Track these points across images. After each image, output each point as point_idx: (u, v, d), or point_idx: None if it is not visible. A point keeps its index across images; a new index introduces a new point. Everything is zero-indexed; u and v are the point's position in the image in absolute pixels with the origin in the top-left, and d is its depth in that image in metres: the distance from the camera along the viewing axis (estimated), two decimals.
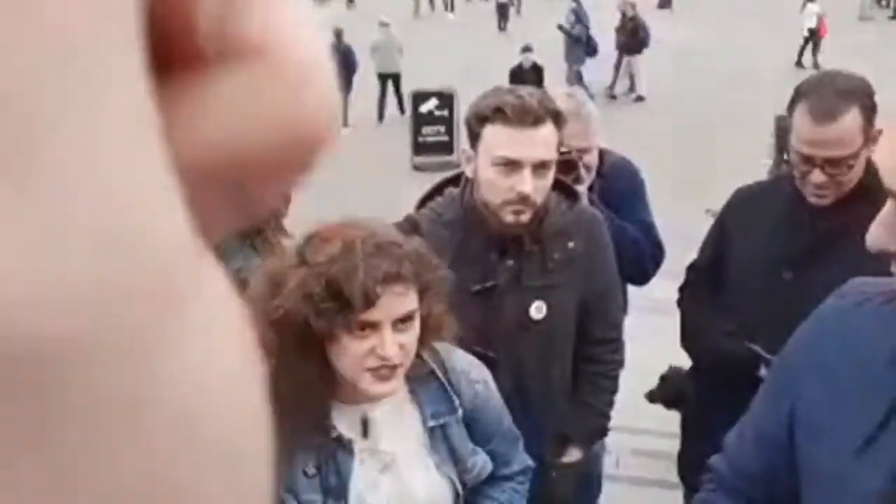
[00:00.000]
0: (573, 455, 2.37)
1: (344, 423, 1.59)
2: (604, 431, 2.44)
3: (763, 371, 2.16)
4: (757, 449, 1.40)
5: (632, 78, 15.21)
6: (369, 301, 1.41)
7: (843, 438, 1.20)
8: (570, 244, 2.20)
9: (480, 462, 1.69)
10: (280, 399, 1.26)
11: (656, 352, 3.63)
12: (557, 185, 2.21)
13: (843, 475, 1.19)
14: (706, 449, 2.40)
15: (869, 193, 2.17)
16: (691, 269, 2.58)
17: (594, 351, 2.35)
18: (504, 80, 13.48)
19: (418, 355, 1.58)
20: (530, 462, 1.84)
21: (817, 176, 2.11)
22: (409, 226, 2.11)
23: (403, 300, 1.47)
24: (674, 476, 3.28)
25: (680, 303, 2.57)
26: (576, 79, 14.37)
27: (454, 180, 2.30)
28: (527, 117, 2.01)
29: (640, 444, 4.22)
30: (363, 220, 1.54)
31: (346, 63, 12.70)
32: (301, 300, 1.40)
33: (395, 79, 14.21)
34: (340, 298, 1.40)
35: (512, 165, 2.03)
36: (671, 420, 3.08)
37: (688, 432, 2.64)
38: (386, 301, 1.43)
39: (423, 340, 1.55)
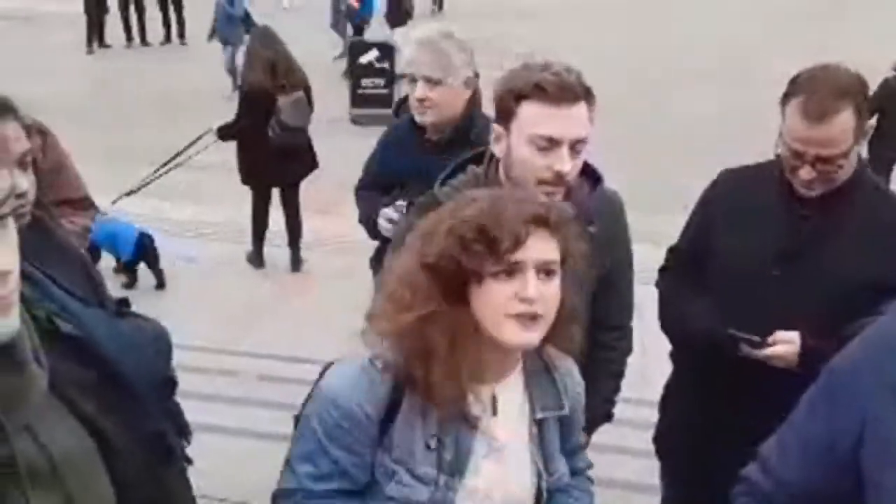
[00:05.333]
0: None
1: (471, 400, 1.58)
2: (608, 416, 2.45)
3: (746, 349, 2.18)
4: (803, 460, 1.39)
5: None
6: (518, 241, 1.44)
7: None
8: (592, 228, 2.17)
9: (562, 469, 1.69)
10: (432, 349, 1.32)
11: None
12: (581, 168, 2.17)
13: None
14: (683, 427, 2.46)
15: (857, 189, 2.21)
16: (672, 251, 2.58)
17: (606, 337, 2.35)
18: None
19: (538, 351, 1.60)
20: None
21: (807, 172, 2.13)
22: (432, 203, 2.04)
23: (548, 245, 1.49)
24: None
25: (658, 285, 2.58)
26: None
27: (476, 158, 2.23)
28: (567, 95, 1.98)
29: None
30: None
31: None
32: (452, 243, 1.46)
33: None
34: (489, 239, 1.44)
35: (550, 144, 1.99)
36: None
37: (666, 411, 2.67)
38: (532, 243, 1.46)
39: (553, 329, 1.54)
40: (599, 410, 2.39)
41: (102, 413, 1.24)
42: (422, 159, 2.84)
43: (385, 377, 1.53)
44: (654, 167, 8.99)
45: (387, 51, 11.32)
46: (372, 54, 11.30)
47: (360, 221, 3.20)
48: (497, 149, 2.11)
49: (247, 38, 12.06)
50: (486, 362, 1.56)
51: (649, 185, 8.00)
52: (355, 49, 11.73)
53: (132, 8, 15.86)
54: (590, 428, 2.41)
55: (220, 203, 7.88)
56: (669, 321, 2.51)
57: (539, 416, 1.64)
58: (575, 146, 2.01)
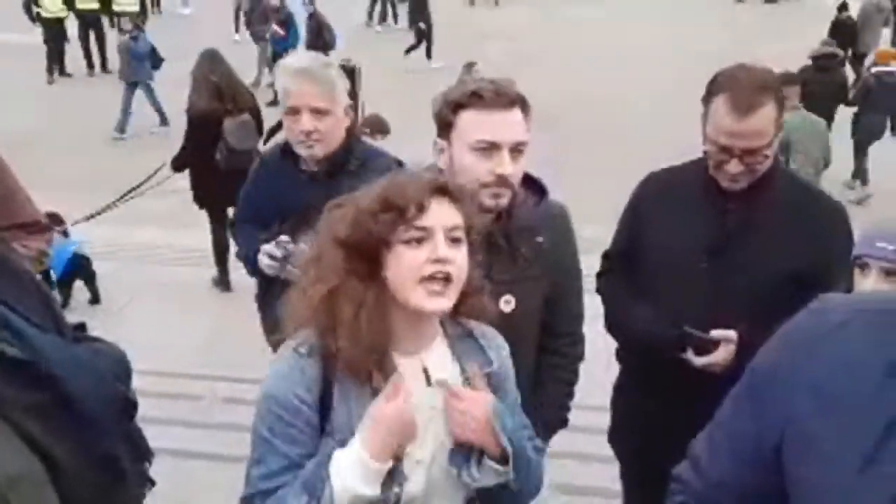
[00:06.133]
0: None
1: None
2: (564, 422, 2.49)
3: (690, 354, 2.28)
4: (731, 459, 1.39)
5: None
6: (422, 206, 1.55)
7: (842, 457, 1.20)
8: (538, 239, 2.23)
9: None
10: (338, 319, 1.40)
11: None
12: (525, 181, 2.23)
13: (844, 494, 1.20)
14: (634, 426, 2.53)
15: (777, 180, 2.30)
16: (606, 257, 2.66)
17: (556, 344, 2.40)
18: None
19: (454, 317, 1.69)
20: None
21: (734, 166, 2.21)
22: None
23: (451, 211, 1.60)
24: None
25: (599, 290, 2.65)
26: None
27: None
28: (503, 100, 2.06)
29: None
30: None
31: None
32: (362, 217, 1.56)
33: None
34: (396, 208, 1.55)
35: (491, 148, 2.06)
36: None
37: (615, 410, 2.75)
38: (435, 208, 1.57)
39: (464, 300, 1.63)
40: (553, 416, 2.43)
41: (52, 436, 1.26)
42: (300, 191, 2.69)
43: (311, 361, 1.59)
44: (615, 180, 9.10)
45: (349, 72, 11.33)
46: None
47: (238, 257, 3.00)
48: (440, 161, 2.17)
49: (156, 73, 12.10)
50: (403, 333, 1.63)
51: (611, 198, 8.08)
52: None
53: (92, 36, 15.78)
54: (546, 434, 2.47)
55: (186, 228, 7.87)
56: (614, 324, 2.59)
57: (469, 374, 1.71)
58: (515, 149, 2.08)
